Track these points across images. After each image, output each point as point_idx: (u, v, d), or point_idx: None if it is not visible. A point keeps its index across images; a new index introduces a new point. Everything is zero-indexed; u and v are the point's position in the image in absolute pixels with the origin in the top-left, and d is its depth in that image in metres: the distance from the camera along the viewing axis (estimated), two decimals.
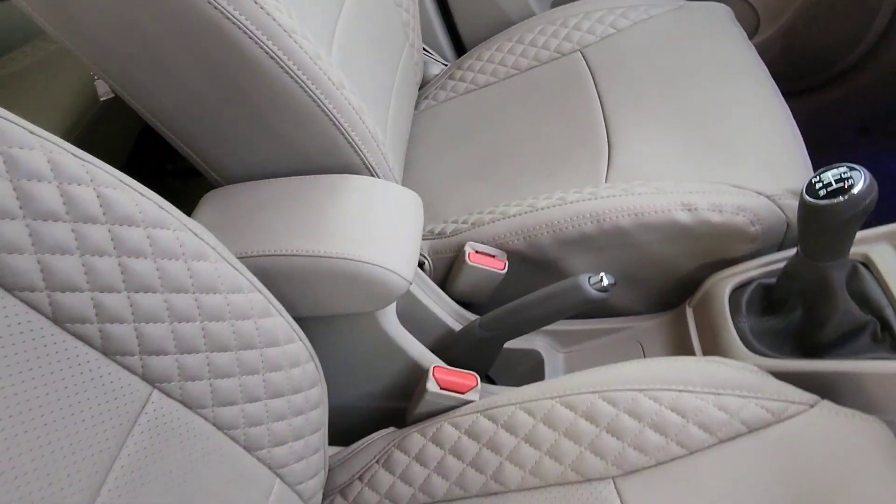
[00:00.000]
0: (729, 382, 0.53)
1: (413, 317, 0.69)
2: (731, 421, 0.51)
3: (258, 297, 0.47)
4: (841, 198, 0.51)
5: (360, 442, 0.62)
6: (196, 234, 0.44)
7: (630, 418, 0.52)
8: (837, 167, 0.52)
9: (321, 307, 0.56)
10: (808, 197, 0.53)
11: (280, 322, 0.49)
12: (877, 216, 0.59)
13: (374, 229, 0.56)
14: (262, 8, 0.53)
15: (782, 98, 0.81)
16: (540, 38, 1.00)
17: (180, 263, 0.42)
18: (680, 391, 0.53)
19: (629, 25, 0.96)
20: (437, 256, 0.77)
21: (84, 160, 0.39)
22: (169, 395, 0.42)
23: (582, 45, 0.97)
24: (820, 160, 0.66)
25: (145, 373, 0.40)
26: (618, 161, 0.76)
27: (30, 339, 0.35)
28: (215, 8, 0.51)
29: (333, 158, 0.62)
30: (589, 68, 0.93)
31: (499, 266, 0.72)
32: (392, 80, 0.85)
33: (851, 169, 0.52)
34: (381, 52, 0.83)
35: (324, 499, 0.60)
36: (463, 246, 0.74)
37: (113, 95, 0.63)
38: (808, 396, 0.52)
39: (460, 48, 1.18)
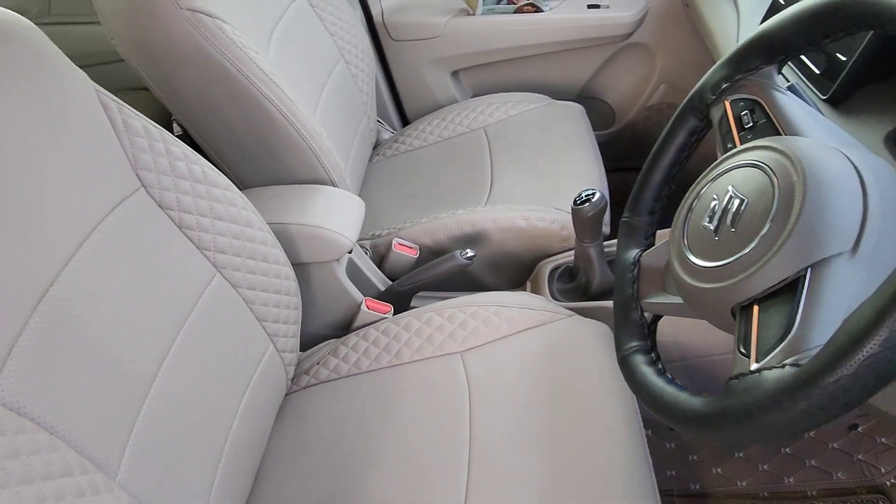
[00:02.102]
0: (527, 302, 0.95)
1: (356, 279, 1.10)
2: (524, 319, 0.93)
3: (270, 236, 0.88)
4: (587, 204, 0.96)
5: (317, 346, 1.02)
6: (242, 198, 0.85)
7: (472, 319, 0.94)
8: (588, 189, 0.98)
9: (301, 256, 0.98)
10: (573, 204, 0.97)
11: (281, 253, 0.90)
12: None
13: (335, 213, 0.99)
14: (280, 88, 0.98)
15: (601, 164, 1.28)
16: (458, 117, 1.47)
17: (235, 209, 0.83)
18: (500, 305, 0.95)
19: (516, 113, 1.44)
20: (375, 250, 1.20)
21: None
22: (224, 277, 0.82)
23: (484, 125, 1.44)
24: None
25: (215, 262, 0.81)
26: (494, 192, 1.21)
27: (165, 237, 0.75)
28: (254, 87, 0.95)
29: (311, 175, 1.06)
30: (487, 139, 1.40)
31: (413, 253, 1.15)
32: (353, 138, 1.30)
33: (594, 190, 0.97)
34: (348, 119, 1.28)
35: (293, 377, 0.99)
36: (391, 241, 1.16)
37: (182, 133, 1.05)
38: (568, 312, 0.95)
39: (405, 120, 1.66)
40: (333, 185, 1.07)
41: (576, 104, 1.47)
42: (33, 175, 0.61)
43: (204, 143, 1.04)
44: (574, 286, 1.07)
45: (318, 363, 0.99)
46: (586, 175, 1.23)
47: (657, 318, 0.67)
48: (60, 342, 0.59)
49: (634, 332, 0.64)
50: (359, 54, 1.37)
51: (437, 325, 0.95)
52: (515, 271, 1.17)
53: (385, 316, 1.01)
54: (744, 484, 1.12)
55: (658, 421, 0.92)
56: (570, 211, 1.12)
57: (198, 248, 0.79)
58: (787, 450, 1.13)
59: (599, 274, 1.02)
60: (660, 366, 0.61)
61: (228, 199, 0.83)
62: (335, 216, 0.98)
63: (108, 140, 0.71)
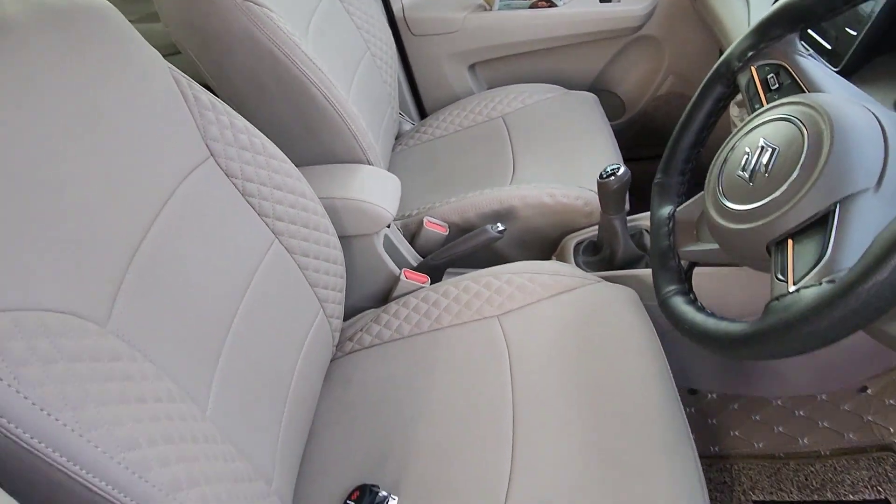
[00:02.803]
0: (559, 270, 1.02)
1: (392, 254, 1.16)
2: (556, 285, 0.99)
3: (320, 207, 0.94)
4: (613, 177, 1.02)
5: (359, 314, 1.08)
6: (296, 173, 0.91)
7: (507, 285, 1.00)
8: (612, 164, 1.04)
9: (346, 228, 1.04)
10: (599, 178, 1.04)
11: (329, 223, 0.96)
12: None
13: (375, 188, 1.05)
14: (322, 72, 1.04)
15: (618, 148, 1.35)
16: (476, 107, 1.54)
17: (291, 180, 0.89)
18: (533, 273, 1.01)
19: (533, 102, 1.51)
20: (406, 228, 1.26)
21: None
22: (282, 243, 0.88)
23: (503, 113, 1.51)
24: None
25: (273, 228, 0.87)
26: (518, 173, 1.28)
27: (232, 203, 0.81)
28: (299, 70, 1.01)
29: (350, 156, 1.12)
30: (506, 126, 1.46)
31: (443, 230, 1.21)
32: (380, 128, 1.37)
33: (619, 165, 1.03)
34: (375, 108, 1.34)
35: (338, 344, 1.04)
36: (422, 220, 1.22)
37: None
38: (597, 278, 1.01)
39: (423, 112, 1.72)
40: (370, 164, 1.13)
41: (589, 93, 1.54)
42: (125, 138, 0.67)
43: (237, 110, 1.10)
44: (599, 258, 1.14)
45: (361, 330, 1.05)
46: (605, 157, 1.30)
47: (692, 265, 0.73)
48: (154, 290, 0.65)
49: (672, 277, 0.71)
50: (383, 47, 1.43)
51: (474, 292, 1.01)
52: (542, 246, 1.23)
53: (423, 285, 1.07)
54: (760, 445, 1.18)
55: (679, 385, 0.98)
56: (592, 189, 1.19)
57: (259, 214, 0.85)
58: (801, 412, 1.19)
59: (623, 245, 1.08)
60: (699, 304, 0.67)
61: (285, 170, 0.89)
62: (375, 191, 1.04)
63: (181, 111, 0.77)
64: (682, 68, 1.64)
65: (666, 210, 0.77)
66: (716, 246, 0.67)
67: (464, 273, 1.19)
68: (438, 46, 1.61)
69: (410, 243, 1.24)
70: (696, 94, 0.78)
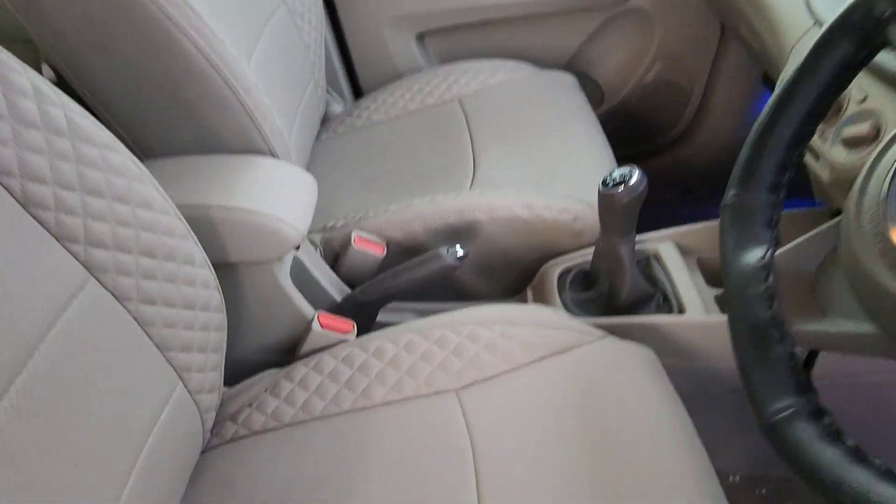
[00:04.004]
0: (544, 319, 0.70)
1: (304, 287, 0.82)
2: (544, 344, 0.68)
3: (180, 223, 0.60)
4: (622, 187, 0.71)
5: (250, 379, 0.73)
6: (136, 165, 0.56)
7: (470, 343, 0.68)
8: (624, 167, 0.73)
9: (228, 254, 0.69)
10: (602, 187, 0.73)
11: (196, 249, 0.61)
12: None
13: (277, 192, 0.70)
14: (195, 14, 0.68)
15: (606, 141, 1.04)
16: (426, 87, 1.20)
17: (125, 181, 0.54)
18: (508, 323, 0.69)
19: (496, 83, 1.19)
20: (327, 246, 0.91)
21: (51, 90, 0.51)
22: (103, 284, 0.53)
23: (460, 96, 1.18)
24: (651, 214, 0.87)
25: (86, 260, 0.51)
26: (480, 176, 0.95)
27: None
28: (157, 8, 0.66)
29: (245, 145, 0.77)
30: (464, 112, 1.13)
31: (378, 251, 0.87)
32: (296, 108, 1.01)
33: (632, 169, 0.72)
34: (291, 81, 0.99)
35: (214, 426, 0.70)
36: (350, 235, 0.88)
37: (56, 80, 0.74)
38: (599, 332, 0.70)
39: (357, 92, 1.38)
40: (274, 156, 0.79)
41: (566, 74, 1.23)
42: None
43: (89, 97, 0.74)
44: (593, 295, 0.83)
45: (249, 405, 0.70)
46: (593, 155, 0.99)
47: (812, 354, 0.42)
48: None
49: (785, 380, 0.39)
50: (305, 2, 1.08)
51: (421, 352, 0.68)
52: (512, 275, 0.92)
53: (346, 337, 0.73)
54: None
55: None
56: (583, 199, 0.87)
57: (58, 239, 0.49)
58: None
59: (630, 279, 0.78)
60: (834, 429, 0.37)
61: (112, 164, 0.53)
62: (277, 197, 0.70)
63: None
64: (674, 51, 1.35)
65: (756, 253, 0.45)
66: (870, 327, 0.36)
67: (406, 311, 0.86)
68: (379, 8, 1.27)
69: (332, 267, 0.90)
70: (804, 59, 0.46)
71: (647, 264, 0.84)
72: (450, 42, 1.35)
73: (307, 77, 1.08)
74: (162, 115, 0.74)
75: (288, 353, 0.78)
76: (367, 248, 0.86)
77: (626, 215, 0.74)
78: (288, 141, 0.82)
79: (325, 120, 1.24)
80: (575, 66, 1.41)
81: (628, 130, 1.47)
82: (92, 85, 0.72)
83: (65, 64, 0.70)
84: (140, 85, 0.71)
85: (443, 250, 0.77)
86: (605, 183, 0.73)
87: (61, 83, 0.74)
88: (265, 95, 0.77)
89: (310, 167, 1.09)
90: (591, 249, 0.87)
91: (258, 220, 0.67)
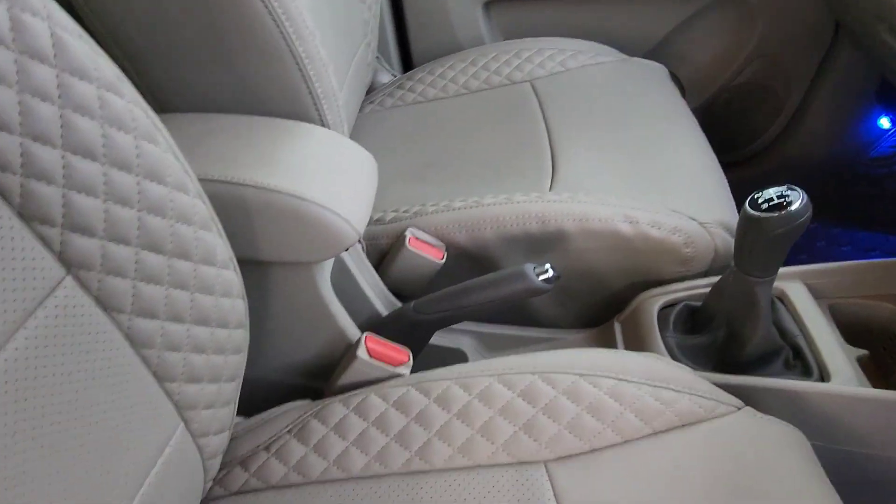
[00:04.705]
0: (665, 376, 0.53)
1: (343, 293, 0.65)
2: (665, 412, 0.51)
3: (202, 205, 0.43)
4: (779, 212, 0.54)
5: (270, 411, 0.56)
6: (149, 115, 0.39)
7: (569, 401, 0.51)
8: (779, 187, 0.56)
9: (260, 249, 0.52)
10: (750, 209, 0.56)
11: (220, 242, 0.44)
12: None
13: (331, 176, 0.53)
14: None
15: (709, 146, 0.87)
16: (493, 63, 1.03)
17: (129, 138, 0.37)
18: (619, 379, 0.52)
19: (578, 67, 1.01)
20: (372, 243, 0.74)
21: None
22: (84, 285, 0.36)
23: (532, 77, 1.00)
24: None
25: (63, 251, 0.34)
26: (562, 176, 0.78)
27: None
28: None
29: (291, 107, 0.59)
30: (537, 97, 0.96)
31: (437, 256, 0.70)
32: (348, 67, 0.84)
33: (791, 189, 0.55)
34: (341, 35, 0.81)
35: (220, 469, 0.53)
36: (402, 233, 0.71)
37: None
38: (735, 400, 0.54)
39: (407, 64, 1.20)
40: (322, 124, 0.61)
41: (658, 64, 1.06)
42: None
43: (100, 29, 0.56)
44: (705, 341, 0.66)
45: (267, 448, 0.53)
46: (702, 163, 0.82)
47: None
48: None
49: None
50: None
51: (501, 405, 0.51)
52: (596, 300, 0.74)
53: (400, 371, 0.56)
54: None
55: None
56: (695, 216, 0.70)
57: (21, 217, 0.32)
58: None
59: (763, 328, 0.61)
60: None
61: (113, 111, 0.36)
62: (332, 182, 0.53)
63: None
64: (774, 51, 1.17)
65: None
66: None
67: (457, 334, 0.69)
68: None
69: (378, 269, 0.73)
70: None
71: (772, 308, 0.67)
72: (519, 15, 1.17)
73: (360, 35, 0.91)
74: (188, 57, 0.56)
75: (320, 377, 0.62)
76: (425, 251, 0.69)
77: (777, 248, 0.57)
78: (342, 105, 0.65)
79: (371, 89, 1.07)
80: (656, 57, 1.22)
81: (708, 136, 1.29)
82: (101, 9, 0.54)
83: None
84: (165, 13, 0.53)
85: (529, 268, 0.60)
86: (754, 203, 0.56)
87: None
88: (322, 45, 0.59)
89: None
90: (699, 281, 0.70)
91: (306, 211, 0.50)
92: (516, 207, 0.71)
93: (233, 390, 0.49)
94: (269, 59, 0.56)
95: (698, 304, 0.68)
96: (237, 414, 0.58)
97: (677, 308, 0.69)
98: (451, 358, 0.73)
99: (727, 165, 1.31)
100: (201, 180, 0.48)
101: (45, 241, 0.34)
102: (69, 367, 0.35)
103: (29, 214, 0.33)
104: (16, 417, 0.33)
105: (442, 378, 0.54)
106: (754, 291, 0.59)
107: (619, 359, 0.54)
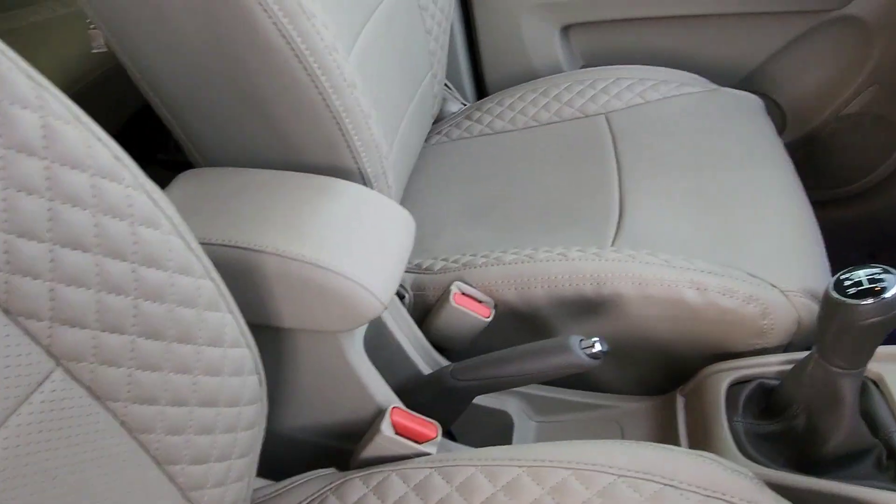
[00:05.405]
0: (721, 485, 0.46)
1: (380, 350, 0.62)
2: None
3: (209, 284, 0.41)
4: (870, 300, 0.46)
5: (291, 479, 0.55)
6: (151, 198, 0.38)
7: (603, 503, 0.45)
8: (871, 267, 0.48)
9: (279, 317, 0.50)
10: (834, 293, 0.48)
11: (229, 321, 0.42)
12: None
13: (357, 241, 0.50)
14: None
15: (807, 198, 0.78)
16: (565, 94, 0.97)
17: (125, 225, 0.36)
18: (664, 484, 0.46)
19: (659, 98, 0.94)
20: (419, 293, 0.71)
21: (39, 84, 0.33)
22: (75, 377, 0.35)
23: (607, 110, 0.94)
24: None
25: (51, 344, 0.34)
26: (628, 227, 0.71)
27: None
28: None
29: (328, 160, 0.57)
30: (611, 132, 0.90)
31: (484, 313, 0.66)
32: (407, 104, 0.82)
33: (886, 271, 0.47)
34: (401, 71, 0.79)
35: None
36: (449, 285, 0.68)
37: (105, 49, 0.58)
38: None
39: (481, 92, 1.16)
40: (362, 177, 0.59)
41: (752, 95, 0.97)
42: None
43: (144, 85, 0.57)
44: (778, 428, 0.58)
45: None
46: (793, 217, 0.72)
47: None
48: None
49: None
50: None
51: (528, 502, 0.47)
52: (656, 368, 0.68)
53: (426, 450, 0.52)
54: None
55: None
56: (777, 283, 0.62)
57: (5, 312, 0.32)
58: None
59: (849, 426, 0.52)
60: None
61: (108, 198, 0.35)
62: (358, 249, 0.50)
63: None
64: (894, 77, 1.04)
65: None
66: None
67: (514, 398, 0.65)
68: None
69: (423, 322, 0.69)
70: None
71: (863, 393, 0.58)
72: (600, 40, 1.11)
73: (424, 67, 0.88)
74: (226, 113, 0.55)
75: (350, 439, 0.59)
76: (471, 308, 0.66)
77: (868, 340, 0.48)
78: (386, 156, 0.62)
79: (439, 119, 1.04)
80: (753, 83, 1.12)
81: (809, 170, 1.16)
82: (141, 64, 0.54)
83: (112, 36, 0.53)
84: (201, 70, 0.53)
85: (574, 341, 0.54)
86: (840, 286, 0.48)
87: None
88: (362, 97, 0.57)
89: (413, 176, 0.89)
90: (778, 357, 0.62)
91: (327, 281, 0.48)
92: (570, 265, 0.65)
93: (246, 465, 0.47)
94: (304, 112, 0.54)
95: (775, 382, 0.60)
96: (264, 476, 0.57)
97: (750, 386, 0.61)
98: (494, 420, 0.69)
99: (823, 204, 1.18)
100: (219, 246, 0.47)
101: (32, 335, 0.33)
102: (61, 456, 0.35)
103: (15, 310, 0.32)
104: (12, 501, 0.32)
105: (467, 463, 0.49)
106: (838, 384, 0.51)
107: (668, 458, 0.48)
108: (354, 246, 0.50)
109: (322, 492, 0.52)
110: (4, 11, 0.98)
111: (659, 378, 0.68)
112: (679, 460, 0.48)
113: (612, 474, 0.47)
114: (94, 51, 0.59)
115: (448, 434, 0.71)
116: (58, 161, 0.33)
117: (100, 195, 0.35)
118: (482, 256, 0.71)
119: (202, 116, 0.56)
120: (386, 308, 0.50)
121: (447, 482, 0.49)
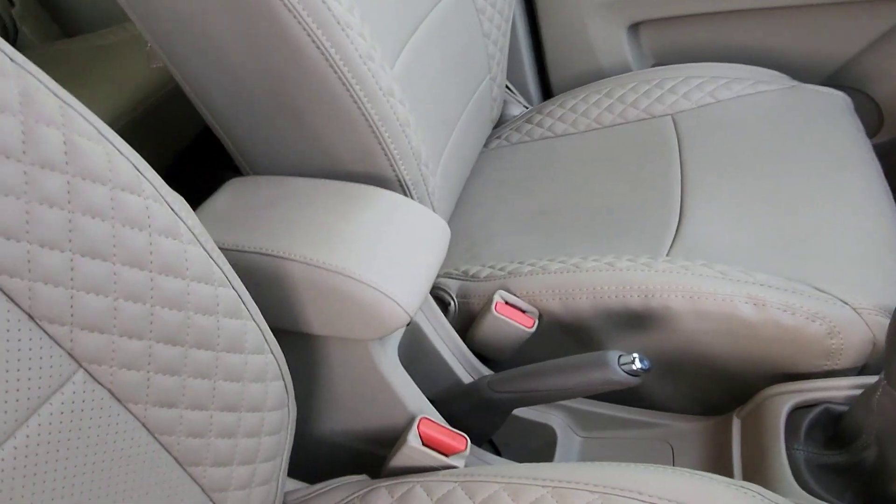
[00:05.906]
0: None
1: (419, 357, 0.62)
2: None
3: (230, 293, 0.42)
4: None
5: (322, 484, 0.55)
6: (171, 208, 0.39)
7: None
8: None
9: (309, 324, 0.50)
10: None
11: (251, 328, 0.43)
12: None
13: (385, 250, 0.50)
14: None
15: (891, 202, 0.70)
16: (631, 95, 0.93)
17: (143, 235, 0.37)
18: None
19: (731, 97, 0.88)
20: (464, 301, 0.70)
21: (65, 103, 0.35)
22: (97, 379, 0.37)
23: (675, 110, 0.89)
24: None
25: (73, 347, 0.35)
26: (686, 234, 0.67)
27: None
28: None
29: (366, 168, 0.58)
30: (677, 135, 0.85)
31: (527, 323, 0.64)
32: (461, 109, 0.81)
33: None
34: (454, 77, 0.78)
35: None
36: (493, 293, 0.66)
37: (162, 64, 0.61)
38: None
39: (547, 93, 1.14)
40: (400, 185, 0.59)
41: (837, 92, 0.89)
42: None
43: (199, 102, 0.59)
44: (844, 459, 0.52)
45: None
46: (871, 226, 0.66)
47: None
48: None
49: None
50: None
51: None
52: (711, 386, 0.63)
53: (452, 462, 0.51)
54: None
55: None
56: (848, 300, 0.57)
57: (30, 317, 0.34)
58: None
59: None
60: None
61: (128, 209, 0.37)
62: (386, 259, 0.50)
63: None
64: None
65: None
66: None
67: (558, 412, 0.63)
68: None
69: (467, 330, 0.68)
70: None
71: None
72: (672, 37, 1.06)
73: (482, 72, 0.87)
74: (266, 123, 0.57)
75: (383, 445, 0.59)
76: (513, 318, 0.64)
77: None
78: (426, 163, 0.62)
79: (499, 122, 1.03)
80: (844, 78, 1.03)
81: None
82: (190, 77, 0.57)
83: (163, 52, 0.56)
84: (242, 83, 0.55)
85: (612, 357, 0.52)
86: None
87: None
88: (400, 103, 0.57)
89: (470, 181, 0.88)
90: (847, 380, 0.57)
91: (353, 290, 0.48)
92: (617, 275, 0.62)
93: (272, 469, 0.48)
94: (341, 121, 0.55)
95: (843, 408, 0.55)
96: (302, 478, 0.58)
97: (815, 411, 0.56)
98: (538, 434, 0.67)
99: None
100: (251, 253, 0.48)
101: (56, 339, 0.35)
102: (81, 456, 0.36)
103: (39, 315, 0.34)
104: (32, 500, 0.34)
105: (491, 480, 0.48)
106: None
107: (704, 489, 0.45)
108: (382, 255, 0.50)
109: (349, 499, 0.52)
110: (91, 31, 1.06)
111: (715, 397, 0.63)
112: (717, 492, 0.44)
113: (641, 501, 0.44)
114: (153, 66, 0.62)
115: (491, 445, 0.69)
116: (79, 175, 0.35)
117: (119, 207, 0.36)
118: (528, 264, 0.69)
119: (246, 127, 0.58)
120: (412, 318, 0.49)
121: (470, 498, 0.48)
